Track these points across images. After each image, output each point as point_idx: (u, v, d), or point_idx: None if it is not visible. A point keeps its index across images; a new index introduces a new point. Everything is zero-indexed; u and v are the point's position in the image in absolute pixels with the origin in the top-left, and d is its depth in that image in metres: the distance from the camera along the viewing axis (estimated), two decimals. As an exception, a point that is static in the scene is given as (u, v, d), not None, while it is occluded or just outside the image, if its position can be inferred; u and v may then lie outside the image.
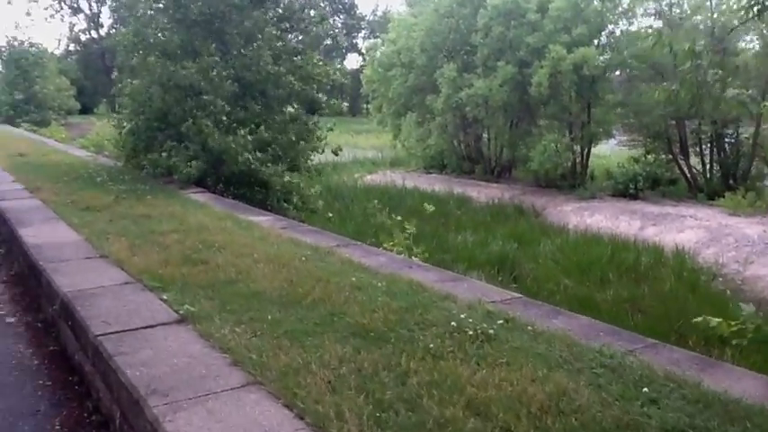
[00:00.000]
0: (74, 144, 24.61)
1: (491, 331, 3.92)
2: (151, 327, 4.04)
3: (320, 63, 12.27)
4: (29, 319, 5.51)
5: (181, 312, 4.22)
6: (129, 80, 12.11)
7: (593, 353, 3.68)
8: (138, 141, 11.60)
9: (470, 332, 3.89)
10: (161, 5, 12.01)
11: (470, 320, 4.08)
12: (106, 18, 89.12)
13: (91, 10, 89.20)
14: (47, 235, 6.78)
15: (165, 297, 4.58)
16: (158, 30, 11.61)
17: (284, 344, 3.73)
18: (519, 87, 24.20)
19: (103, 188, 10.04)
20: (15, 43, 39.36)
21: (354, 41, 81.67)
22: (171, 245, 6.20)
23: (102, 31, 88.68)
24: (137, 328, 4.01)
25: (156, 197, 9.15)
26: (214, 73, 10.52)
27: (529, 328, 4.08)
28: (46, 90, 38.37)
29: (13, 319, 5.49)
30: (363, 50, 79.27)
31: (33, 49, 40.41)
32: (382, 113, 35.71)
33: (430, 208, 11.86)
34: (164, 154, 10.61)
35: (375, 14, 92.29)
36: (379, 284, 4.91)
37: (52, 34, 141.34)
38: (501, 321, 4.15)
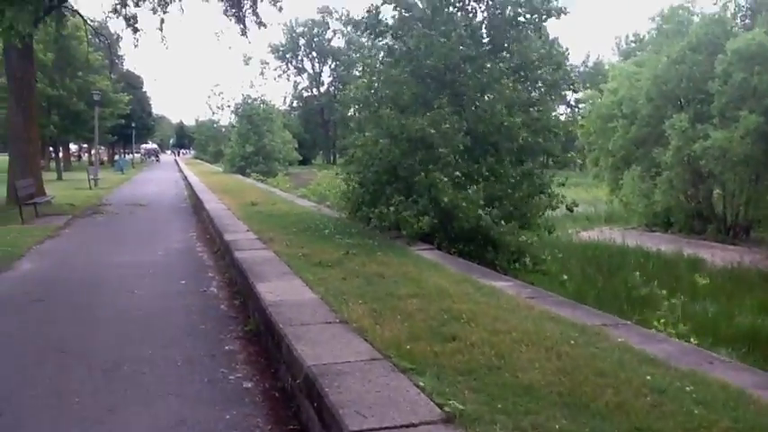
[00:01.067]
0: (296, 193, 25.83)
1: None
2: (413, 426, 3.33)
3: (556, 115, 11.40)
4: (266, 385, 5.12)
5: (446, 409, 3.47)
6: (358, 133, 12.09)
7: None
8: (366, 194, 11.46)
9: None
10: (393, 59, 11.95)
11: None
12: (326, 77, 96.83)
13: (314, 70, 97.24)
14: (283, 292, 6.51)
15: (420, 383, 3.88)
16: (390, 83, 11.49)
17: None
18: (764, 139, 21.53)
19: (332, 241, 9.89)
20: (249, 100, 43.04)
21: (562, 93, 79.96)
22: (413, 313, 5.58)
23: (322, 89, 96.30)
24: (397, 427, 3.32)
25: (387, 254, 8.73)
26: (447, 125, 10.08)
27: None
28: (273, 143, 41.43)
29: (250, 384, 5.14)
30: (572, 102, 77.34)
31: (264, 105, 44.03)
32: (599, 167, 33.83)
33: (702, 281, 10.36)
34: (391, 208, 10.29)
35: (586, 65, 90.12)
36: (686, 388, 3.84)
37: (278, 92, 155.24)
38: None
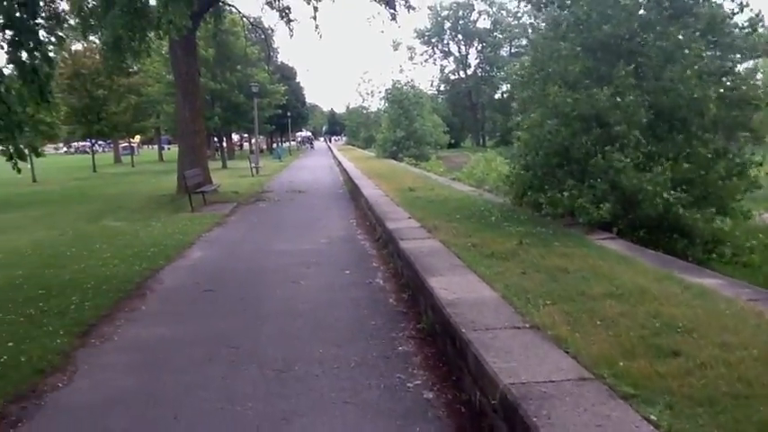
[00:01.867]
0: (450, 177, 25.28)
1: None
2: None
3: (755, 83, 9.92)
4: (448, 396, 4.59)
5: (699, 458, 2.75)
6: (522, 114, 11.25)
7: None
8: (534, 179, 10.63)
9: None
10: (559, 32, 10.95)
11: None
12: (473, 59, 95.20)
13: (460, 53, 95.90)
14: (458, 288, 5.95)
15: (652, 417, 3.15)
16: (557, 58, 10.53)
17: None
18: None
19: (501, 230, 9.21)
20: (399, 85, 42.98)
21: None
22: (615, 318, 4.80)
23: (469, 71, 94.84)
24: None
25: (565, 244, 7.92)
26: (628, 100, 9.02)
27: None
28: (424, 127, 41.10)
29: (430, 395, 4.63)
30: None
31: (413, 90, 43.80)
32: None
33: None
34: (565, 193, 9.40)
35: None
36: None
37: (425, 76, 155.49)
38: None
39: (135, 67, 42.14)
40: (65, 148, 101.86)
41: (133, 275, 8.71)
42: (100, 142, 71.43)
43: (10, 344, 5.66)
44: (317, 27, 23.45)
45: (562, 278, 6.19)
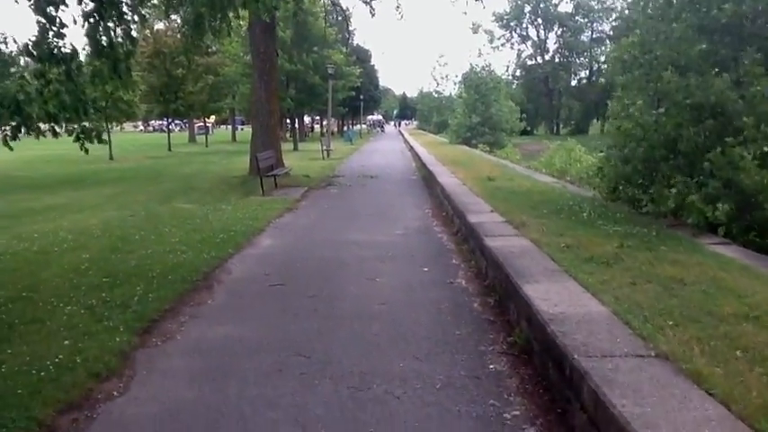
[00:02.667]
0: (524, 165, 24.23)
1: None
2: None
3: None
4: (555, 434, 3.87)
5: None
6: (626, 101, 10.24)
7: None
8: (634, 173, 9.65)
9: None
10: (670, 11, 9.90)
11: None
12: (551, 44, 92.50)
13: (538, 37, 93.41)
14: (560, 299, 5.18)
15: None
16: (667, 40, 9.49)
17: None
18: None
19: (596, 228, 8.34)
20: (477, 69, 41.81)
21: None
22: (760, 349, 3.96)
23: (547, 57, 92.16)
24: None
25: (674, 249, 7.00)
26: (755, 90, 7.95)
27: None
28: (501, 113, 39.86)
29: (532, 430, 3.92)
30: None
31: (491, 74, 42.52)
32: None
33: None
34: (672, 190, 8.43)
35: None
36: None
37: (500, 61, 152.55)
38: None
39: (213, 47, 42.57)
40: (142, 127, 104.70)
41: (201, 264, 8.28)
42: (176, 122, 72.92)
43: (66, 342, 5.22)
44: (398, 6, 22.71)
45: (680, 291, 5.33)
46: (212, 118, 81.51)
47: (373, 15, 22.09)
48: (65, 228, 11.48)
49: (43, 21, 6.58)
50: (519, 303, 5.56)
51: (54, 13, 6.64)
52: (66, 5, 6.83)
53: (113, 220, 12.39)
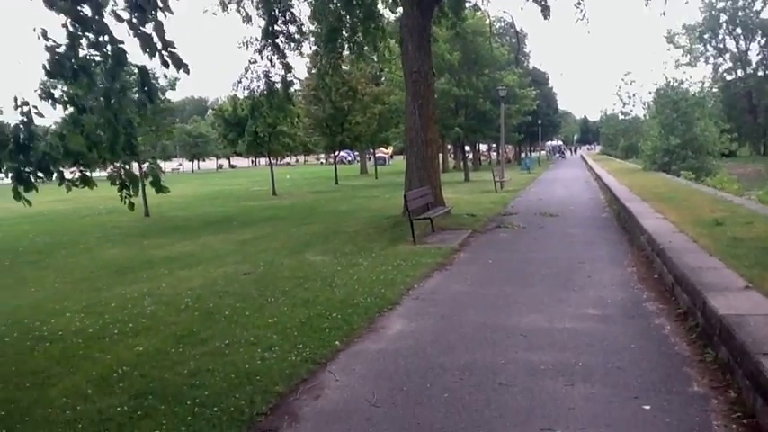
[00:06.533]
0: (747, 196, 19.19)
1: None
2: None
3: None
4: None
5: None
6: None
7: None
8: None
9: None
10: None
11: None
12: (754, 55, 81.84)
13: (737, 49, 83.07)
14: None
15: None
16: None
17: None
18: None
19: None
20: (675, 83, 36.09)
21: None
22: None
23: (749, 70, 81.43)
24: None
25: None
26: None
27: None
28: (707, 133, 33.87)
29: None
30: None
31: (692, 88, 36.47)
32: None
33: None
34: None
35: None
36: None
37: (692, 78, 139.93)
38: None
39: (383, 78, 40.99)
40: (323, 160, 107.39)
41: (280, 374, 5.39)
42: (356, 153, 72.91)
43: None
44: (583, 16, 18.93)
45: None
46: (390, 148, 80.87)
47: (546, 18, 18.17)
48: (157, 293, 9.24)
49: None
50: None
51: None
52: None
53: (221, 279, 10.00)
